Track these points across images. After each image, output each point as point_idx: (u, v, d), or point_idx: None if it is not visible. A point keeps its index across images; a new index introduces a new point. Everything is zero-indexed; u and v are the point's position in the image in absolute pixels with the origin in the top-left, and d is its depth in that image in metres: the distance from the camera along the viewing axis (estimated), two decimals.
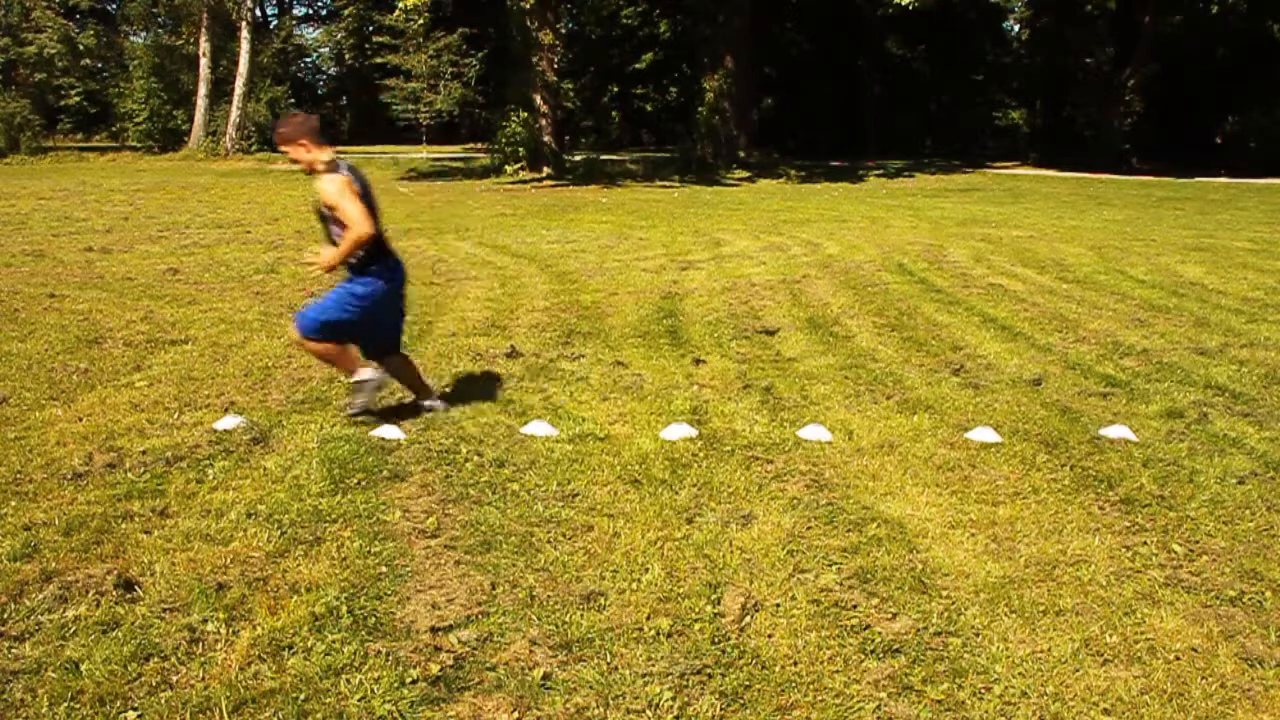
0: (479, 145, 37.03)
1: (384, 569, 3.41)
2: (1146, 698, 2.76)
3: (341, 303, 4.77)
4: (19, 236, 12.28)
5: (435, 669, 2.81)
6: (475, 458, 4.52)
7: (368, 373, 4.97)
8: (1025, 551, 3.64)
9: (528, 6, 24.44)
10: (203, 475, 4.24)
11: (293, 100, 38.46)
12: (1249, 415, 5.32)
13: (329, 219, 4.69)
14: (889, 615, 3.16)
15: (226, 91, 32.90)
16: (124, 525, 3.71)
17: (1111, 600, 3.29)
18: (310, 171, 4.71)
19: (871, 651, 2.96)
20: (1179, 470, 4.49)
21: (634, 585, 3.33)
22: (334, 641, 2.94)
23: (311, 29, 54.37)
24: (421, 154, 34.14)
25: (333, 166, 4.64)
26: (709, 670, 2.84)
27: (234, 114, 32.16)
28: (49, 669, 2.77)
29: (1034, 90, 40.83)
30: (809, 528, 3.82)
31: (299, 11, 56.32)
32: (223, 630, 2.99)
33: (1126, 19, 32.96)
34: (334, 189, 4.56)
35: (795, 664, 2.89)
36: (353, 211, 4.54)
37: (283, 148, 4.74)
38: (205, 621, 3.03)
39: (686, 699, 2.71)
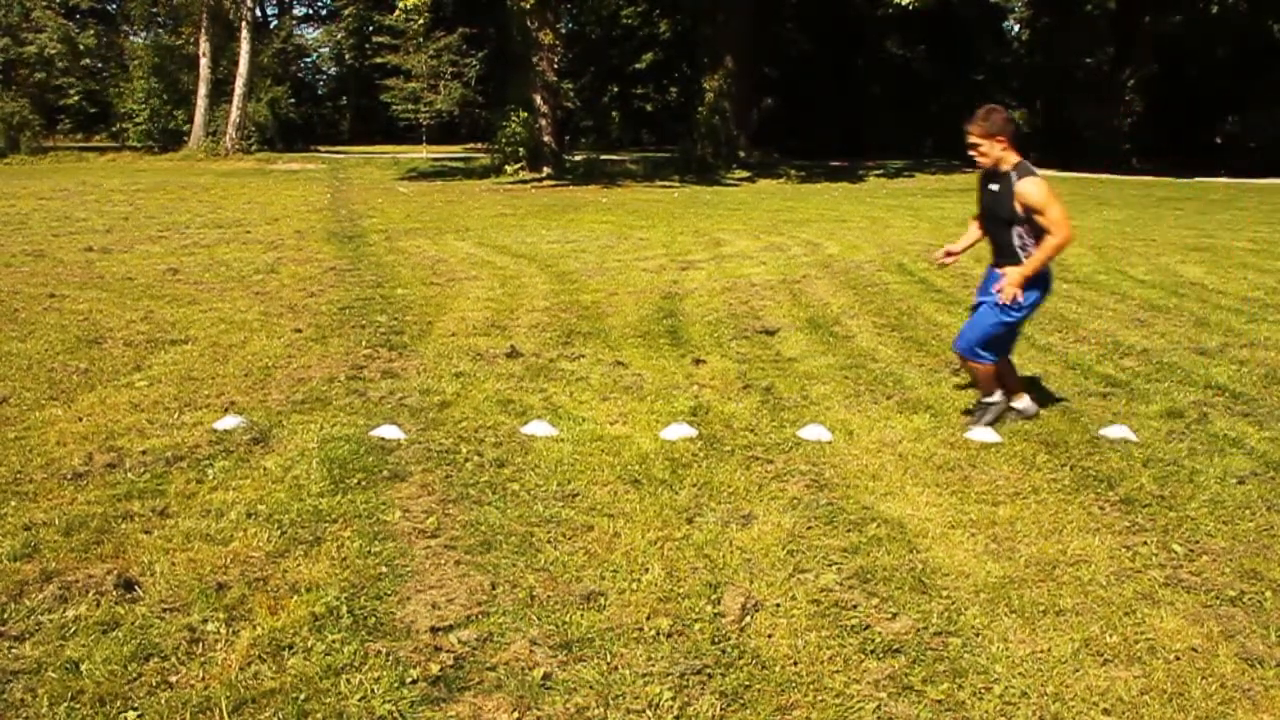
0: (479, 145, 37.01)
1: (384, 569, 3.41)
2: (1146, 698, 2.75)
3: (1001, 317, 4.76)
4: (19, 236, 12.28)
5: (435, 669, 2.81)
6: (475, 458, 4.52)
7: (1025, 402, 5.12)
8: (1025, 551, 3.64)
9: (528, 6, 24.44)
10: (203, 475, 4.24)
11: (293, 100, 38.45)
12: (1249, 415, 5.32)
13: (1011, 221, 4.64)
14: (889, 615, 3.16)
15: (226, 91, 32.88)
16: (124, 525, 3.71)
17: (1111, 600, 3.29)
18: (994, 169, 4.68)
19: (871, 651, 2.96)
20: (1179, 470, 4.49)
21: (634, 585, 3.33)
22: (334, 641, 2.94)
23: (311, 29, 54.39)
24: (422, 154, 34.14)
25: (1025, 169, 4.61)
26: (709, 670, 2.84)
27: (234, 114, 32.14)
28: (49, 669, 2.77)
29: (1034, 90, 40.81)
30: (809, 528, 3.82)
31: (299, 11, 56.31)
32: (223, 630, 2.99)
33: (1126, 19, 32.96)
34: (1041, 194, 4.53)
35: (795, 664, 2.89)
36: (1059, 218, 4.52)
37: (976, 139, 4.65)
38: (205, 621, 3.03)
39: (686, 699, 2.71)
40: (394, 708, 2.64)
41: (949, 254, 5.15)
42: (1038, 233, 4.64)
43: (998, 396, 5.03)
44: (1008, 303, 4.71)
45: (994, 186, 4.73)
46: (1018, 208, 4.60)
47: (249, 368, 6.08)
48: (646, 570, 3.44)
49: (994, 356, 4.91)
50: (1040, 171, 4.75)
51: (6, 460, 4.38)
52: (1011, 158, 4.65)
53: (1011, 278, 4.68)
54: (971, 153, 4.72)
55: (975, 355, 4.89)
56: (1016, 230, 4.67)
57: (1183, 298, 8.90)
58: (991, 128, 4.60)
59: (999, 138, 4.62)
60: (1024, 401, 5.16)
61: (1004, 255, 4.82)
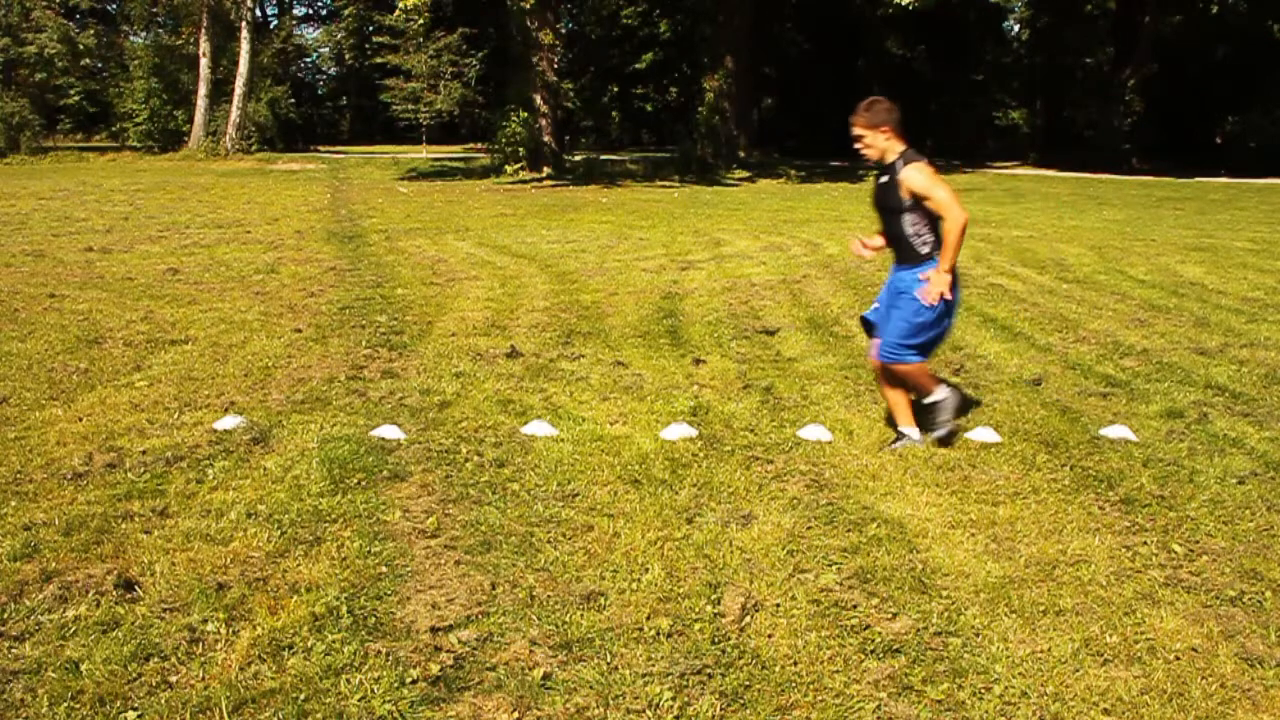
0: (479, 145, 37.01)
1: (384, 569, 3.41)
2: (1146, 698, 2.75)
3: (919, 312, 4.56)
4: (19, 236, 12.28)
5: (435, 669, 2.81)
6: (475, 458, 4.52)
7: (943, 391, 4.77)
8: (1025, 551, 3.64)
9: (528, 6, 24.45)
10: (203, 475, 4.24)
11: (293, 100, 38.45)
12: (1249, 415, 5.32)
13: (900, 210, 4.54)
14: (889, 615, 3.16)
15: (226, 91, 32.88)
16: (124, 525, 3.71)
17: (1111, 600, 3.29)
18: (880, 161, 4.61)
19: (871, 651, 2.96)
20: (1179, 470, 4.49)
21: (634, 585, 3.33)
22: (334, 641, 2.94)
23: (311, 29, 54.47)
24: (422, 154, 34.16)
25: (910, 155, 4.54)
26: (709, 670, 2.84)
27: (234, 114, 32.14)
28: (49, 669, 2.77)
29: (1034, 90, 40.86)
30: (809, 528, 3.82)
31: (299, 11, 56.36)
32: (223, 630, 2.99)
33: (1126, 19, 32.99)
34: (924, 178, 4.46)
35: (795, 664, 2.89)
36: (948, 198, 4.42)
37: (860, 131, 4.59)
38: (205, 621, 3.03)
39: (686, 699, 2.71)
40: (394, 708, 2.64)
41: (865, 245, 4.98)
42: (931, 219, 4.55)
43: (942, 391, 4.77)
44: (933, 303, 4.53)
45: (884, 179, 4.65)
46: (905, 195, 4.53)
47: (249, 368, 6.08)
48: (646, 570, 3.44)
49: (921, 356, 4.73)
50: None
51: (6, 460, 4.38)
52: (897, 146, 4.58)
53: (934, 278, 4.51)
54: (856, 145, 4.64)
55: (900, 355, 4.67)
56: (908, 219, 4.57)
57: (1183, 298, 8.90)
58: (875, 119, 4.55)
59: (883, 128, 4.55)
60: (914, 430, 4.82)
61: (900, 249, 4.66)
